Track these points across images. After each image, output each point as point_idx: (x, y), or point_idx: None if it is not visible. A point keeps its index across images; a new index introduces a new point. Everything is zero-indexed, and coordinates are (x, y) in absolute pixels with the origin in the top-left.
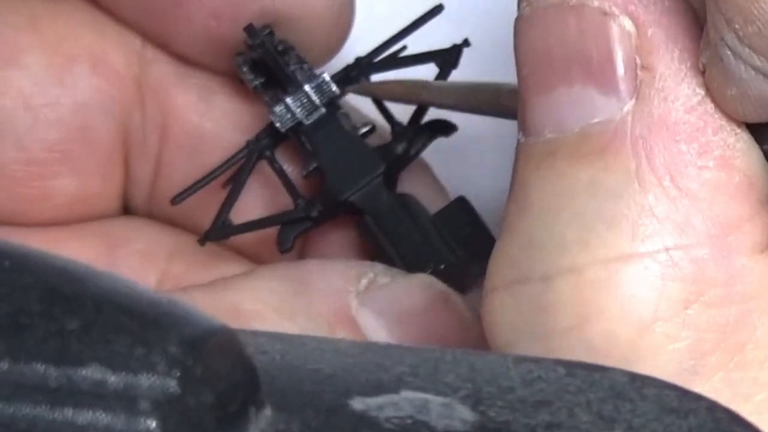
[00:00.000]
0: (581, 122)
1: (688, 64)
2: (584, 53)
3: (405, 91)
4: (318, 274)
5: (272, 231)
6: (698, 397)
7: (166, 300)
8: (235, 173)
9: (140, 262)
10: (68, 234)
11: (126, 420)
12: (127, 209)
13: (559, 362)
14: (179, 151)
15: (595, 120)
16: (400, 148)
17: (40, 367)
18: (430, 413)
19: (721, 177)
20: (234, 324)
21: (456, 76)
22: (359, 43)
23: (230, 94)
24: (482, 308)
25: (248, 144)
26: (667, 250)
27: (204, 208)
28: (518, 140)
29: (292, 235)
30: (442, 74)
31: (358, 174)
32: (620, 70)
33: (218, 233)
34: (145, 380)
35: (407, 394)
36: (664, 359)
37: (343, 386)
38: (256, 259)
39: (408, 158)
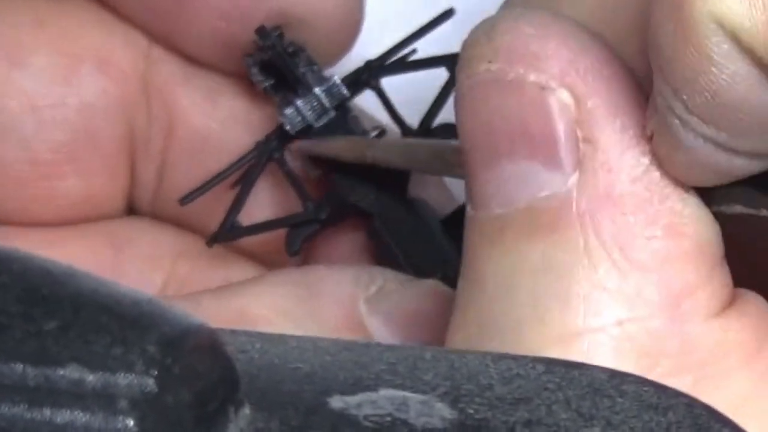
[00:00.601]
0: (528, 197)
1: (631, 133)
2: (525, 128)
3: (350, 148)
4: (327, 280)
5: (280, 233)
6: (677, 394)
7: (146, 300)
8: (244, 175)
9: (145, 263)
10: (73, 234)
11: (104, 419)
12: (132, 210)
13: (538, 359)
14: (184, 152)
15: (542, 194)
16: None
17: (18, 367)
18: (408, 411)
19: (670, 246)
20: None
21: None
22: (369, 45)
23: (237, 95)
24: None
25: (258, 145)
26: (620, 323)
27: (210, 209)
28: (467, 212)
29: (301, 238)
30: (453, 80)
31: (367, 177)
32: (562, 143)
33: (227, 235)
34: (123, 379)
35: (386, 392)
36: None
37: (323, 384)
38: (263, 261)
39: None
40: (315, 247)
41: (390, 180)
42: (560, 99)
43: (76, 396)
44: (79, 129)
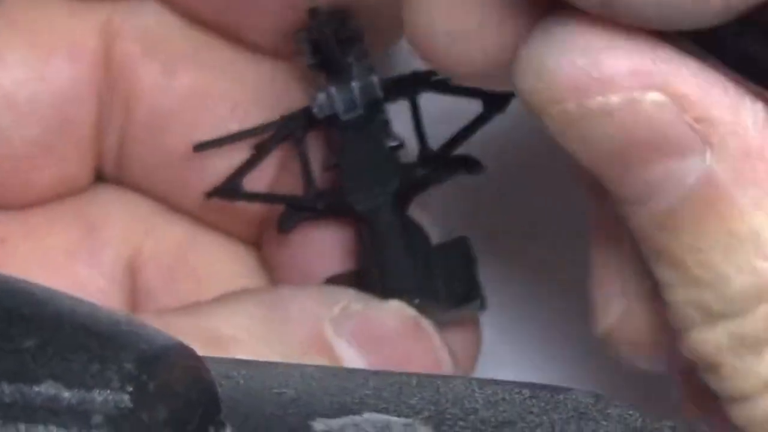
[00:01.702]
0: (682, 188)
1: (732, 91)
2: (639, 141)
3: None
4: (292, 300)
5: (268, 214)
6: (661, 417)
7: (124, 318)
8: (259, 143)
9: (119, 243)
10: (47, 219)
11: None
12: (98, 176)
13: (524, 385)
14: (143, 126)
15: (691, 181)
16: (420, 173)
17: None
18: None
19: None
20: (212, 349)
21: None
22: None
23: (195, 71)
24: None
25: (283, 118)
26: None
27: (179, 180)
28: (625, 210)
29: (295, 219)
30: (485, 115)
31: (371, 183)
32: (680, 135)
33: (226, 193)
34: (99, 396)
35: (369, 415)
36: None
37: (306, 409)
38: (241, 237)
39: (427, 185)
40: (302, 233)
41: (391, 193)
42: (653, 101)
43: (51, 412)
44: (54, 121)
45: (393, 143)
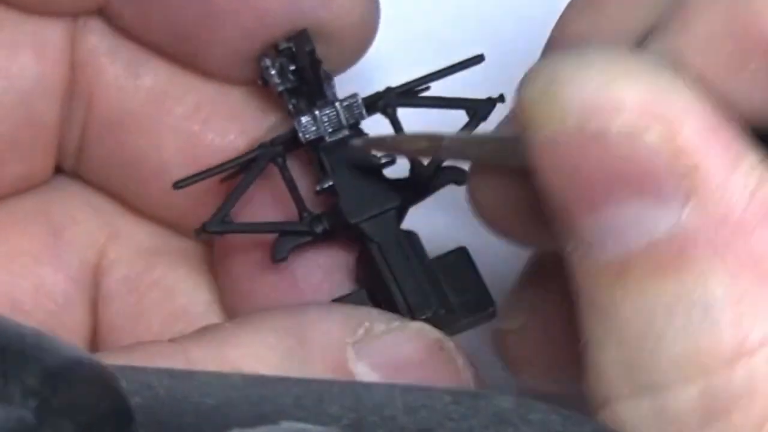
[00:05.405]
0: (646, 236)
1: (734, 150)
2: (624, 173)
3: (422, 141)
4: (314, 325)
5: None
6: (582, 421)
7: (30, 332)
8: (240, 171)
9: (84, 247)
10: (9, 216)
11: None
12: (58, 170)
13: (447, 391)
14: (103, 125)
15: (660, 231)
16: (416, 186)
17: None
18: None
19: None
20: None
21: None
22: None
23: (158, 74)
24: (605, 416)
25: (261, 146)
26: None
27: (132, 177)
28: (570, 255)
29: (289, 246)
30: (470, 125)
31: (372, 203)
32: (667, 178)
33: (217, 227)
34: (1, 412)
35: (287, 424)
36: None
37: (223, 418)
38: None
39: (420, 196)
40: (300, 256)
41: (393, 209)
42: (652, 136)
43: None
44: (20, 118)
45: (384, 160)
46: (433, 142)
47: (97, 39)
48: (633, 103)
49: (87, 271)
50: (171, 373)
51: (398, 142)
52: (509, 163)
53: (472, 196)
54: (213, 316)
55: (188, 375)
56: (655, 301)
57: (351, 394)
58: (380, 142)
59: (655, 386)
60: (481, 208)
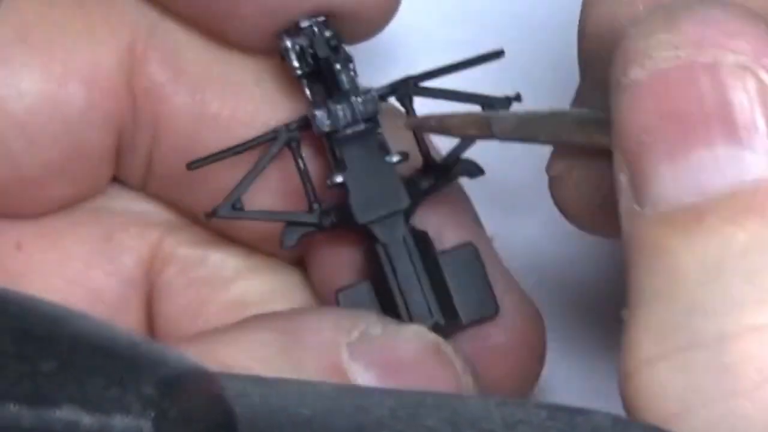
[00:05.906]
0: (731, 182)
1: None
2: (725, 112)
3: (473, 122)
4: (309, 326)
5: (277, 225)
6: None
7: (142, 341)
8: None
9: (136, 245)
10: (64, 224)
11: None
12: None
13: (541, 405)
14: (171, 151)
15: (748, 178)
16: (426, 184)
17: (13, 408)
18: None
19: None
20: None
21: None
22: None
23: (223, 94)
24: (631, 384)
25: (277, 129)
26: None
27: (204, 200)
28: (631, 209)
29: (298, 235)
30: None
31: (382, 202)
32: (764, 125)
33: (227, 212)
34: (119, 421)
35: None
36: None
37: (323, 430)
38: (253, 245)
39: (430, 193)
40: (311, 245)
41: (402, 211)
42: (760, 80)
43: None
44: (69, 146)
45: (396, 158)
46: (483, 121)
47: (155, 68)
48: (750, 42)
49: (140, 270)
50: (262, 381)
51: (446, 123)
52: (573, 140)
53: (553, 185)
54: (269, 305)
55: (279, 383)
56: (732, 245)
57: (446, 406)
58: (425, 122)
59: (712, 338)
60: (562, 198)
